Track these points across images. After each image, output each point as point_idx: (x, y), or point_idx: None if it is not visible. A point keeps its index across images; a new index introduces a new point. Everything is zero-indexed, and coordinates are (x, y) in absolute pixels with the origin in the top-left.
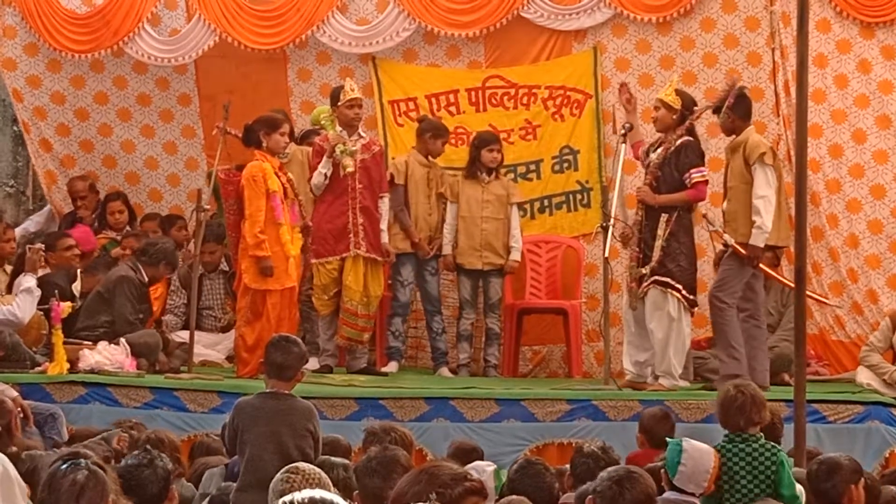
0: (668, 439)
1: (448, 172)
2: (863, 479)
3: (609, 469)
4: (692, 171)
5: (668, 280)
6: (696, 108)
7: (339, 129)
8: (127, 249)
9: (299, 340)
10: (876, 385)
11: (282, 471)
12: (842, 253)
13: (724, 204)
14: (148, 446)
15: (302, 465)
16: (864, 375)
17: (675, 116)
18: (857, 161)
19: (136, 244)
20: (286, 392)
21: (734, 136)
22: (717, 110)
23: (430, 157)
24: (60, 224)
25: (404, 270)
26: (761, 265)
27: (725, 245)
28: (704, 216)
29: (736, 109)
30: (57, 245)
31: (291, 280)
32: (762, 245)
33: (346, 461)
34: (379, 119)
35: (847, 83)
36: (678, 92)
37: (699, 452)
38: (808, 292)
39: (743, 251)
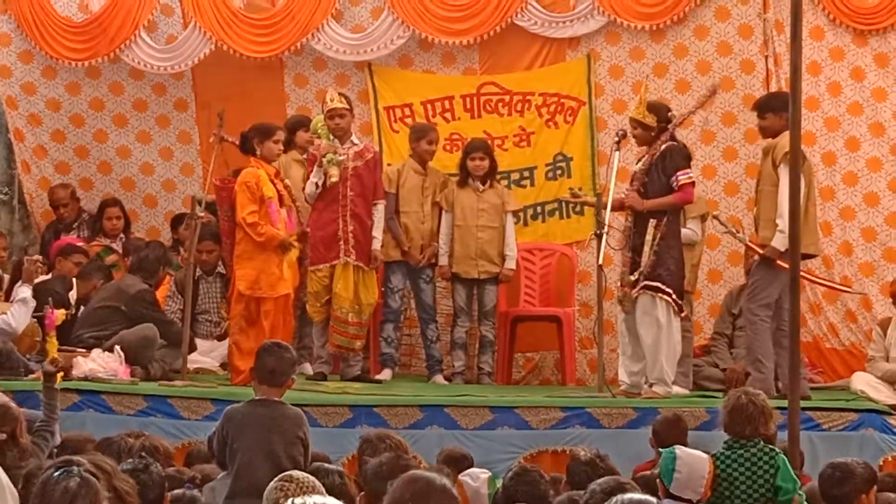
0: (660, 450)
1: (452, 180)
2: (874, 488)
3: (600, 481)
4: (679, 173)
5: (657, 285)
6: (670, 114)
7: (332, 137)
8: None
9: (290, 347)
10: (870, 392)
11: (276, 479)
12: (836, 260)
13: (755, 209)
14: (143, 453)
15: (296, 473)
16: (858, 383)
17: (653, 132)
18: (851, 169)
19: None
20: (276, 399)
21: (770, 140)
22: (768, 110)
23: (426, 165)
24: (44, 234)
25: (395, 278)
26: (781, 264)
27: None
28: (715, 217)
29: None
30: (72, 257)
31: (286, 288)
32: (782, 248)
33: (341, 468)
34: (374, 125)
35: (840, 91)
36: (650, 108)
37: (693, 458)
38: (828, 282)
39: (760, 250)
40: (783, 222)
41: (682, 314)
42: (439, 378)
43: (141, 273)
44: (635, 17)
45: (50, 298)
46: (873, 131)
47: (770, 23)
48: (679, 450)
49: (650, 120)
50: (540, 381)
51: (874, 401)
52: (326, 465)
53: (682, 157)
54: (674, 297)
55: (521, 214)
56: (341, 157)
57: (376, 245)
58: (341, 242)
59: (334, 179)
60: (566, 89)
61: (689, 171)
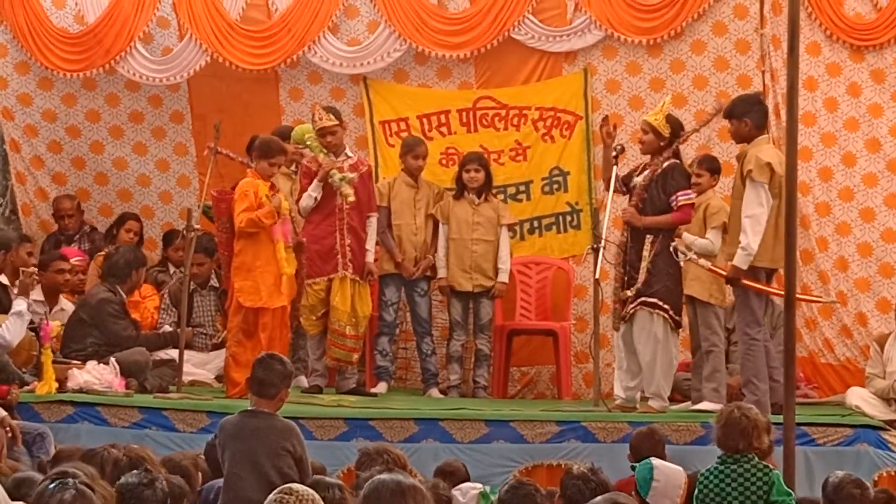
0: (632, 464)
1: (447, 193)
2: None
3: (596, 499)
4: (679, 193)
5: (654, 301)
6: (682, 132)
7: (325, 151)
8: None
9: (285, 359)
10: (865, 408)
11: (275, 491)
12: (831, 276)
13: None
14: (148, 466)
15: (295, 486)
16: (853, 398)
17: (662, 143)
18: (847, 184)
19: None
20: (267, 410)
21: (745, 145)
22: (729, 116)
23: (417, 178)
24: (43, 245)
25: (388, 291)
26: (745, 282)
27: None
28: (674, 249)
29: (752, 116)
30: (50, 266)
31: (282, 300)
32: (745, 267)
33: (341, 482)
34: (370, 139)
35: (837, 106)
36: (668, 118)
37: (670, 469)
38: (799, 295)
39: (722, 273)
40: (745, 239)
41: (679, 328)
42: (435, 391)
43: (111, 279)
44: (632, 31)
45: (45, 311)
46: (870, 147)
47: (767, 38)
48: (655, 461)
49: (665, 129)
50: (535, 395)
51: (869, 416)
52: (326, 478)
53: (684, 177)
54: (670, 312)
55: (518, 228)
56: (353, 176)
57: (369, 258)
58: (339, 256)
59: (352, 199)
60: (563, 103)
61: (689, 191)
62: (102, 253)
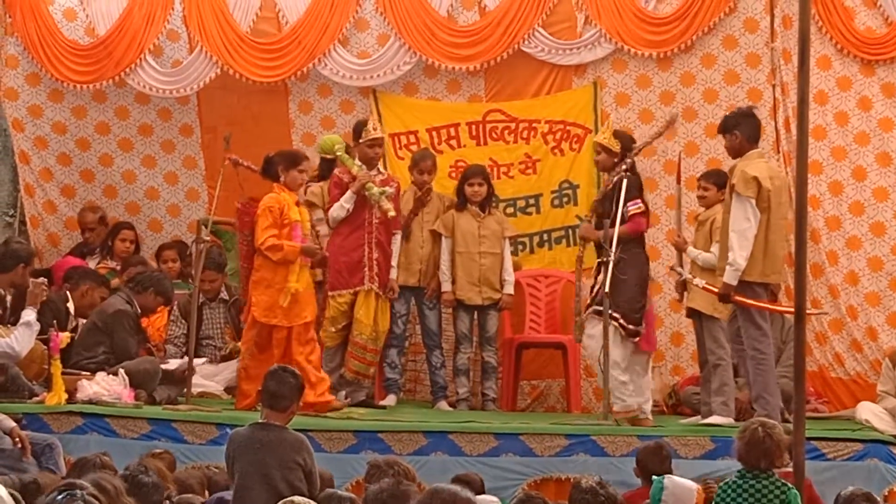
0: (653, 477)
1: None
2: None
3: None
4: (629, 203)
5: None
6: (634, 145)
7: (359, 163)
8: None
9: (298, 373)
10: (875, 423)
11: None
12: (841, 290)
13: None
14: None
15: (298, 499)
16: (863, 412)
17: (615, 159)
18: (858, 198)
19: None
20: (277, 424)
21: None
22: (721, 131)
23: (425, 191)
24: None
25: (398, 303)
26: (737, 298)
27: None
28: (672, 269)
29: (743, 129)
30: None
31: (303, 317)
32: (734, 283)
33: (353, 495)
34: None
35: (847, 120)
36: (616, 134)
37: (681, 489)
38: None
39: (715, 290)
40: (732, 255)
41: (636, 339)
42: (444, 404)
43: (130, 285)
44: (642, 44)
45: (54, 321)
46: (880, 161)
47: (777, 52)
48: (668, 479)
49: (615, 146)
50: (545, 409)
51: (879, 431)
52: (339, 492)
53: (636, 188)
54: (621, 321)
55: (528, 241)
56: (391, 190)
57: (393, 274)
58: (366, 269)
59: (392, 214)
60: (572, 117)
61: (638, 201)
62: (102, 266)
